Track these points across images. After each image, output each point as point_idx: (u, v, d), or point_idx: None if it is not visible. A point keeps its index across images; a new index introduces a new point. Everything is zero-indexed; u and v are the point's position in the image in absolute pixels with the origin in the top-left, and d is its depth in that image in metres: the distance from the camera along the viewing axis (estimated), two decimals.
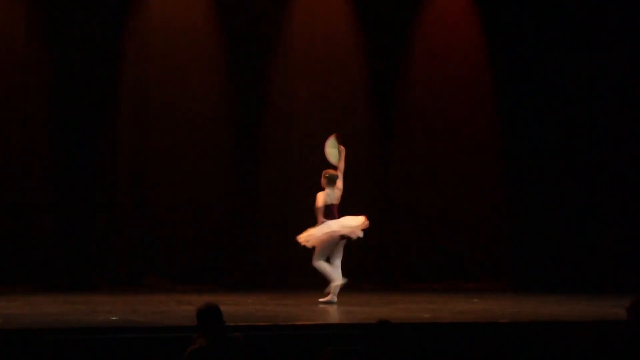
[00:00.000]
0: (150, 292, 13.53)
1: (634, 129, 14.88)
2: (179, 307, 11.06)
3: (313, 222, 11.81)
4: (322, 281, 11.96)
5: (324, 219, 11.70)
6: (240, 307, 11.08)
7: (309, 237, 11.75)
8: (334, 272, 11.73)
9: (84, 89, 13.85)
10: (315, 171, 12.04)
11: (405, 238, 15.19)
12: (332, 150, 11.95)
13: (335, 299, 11.68)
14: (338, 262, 11.81)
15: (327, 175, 11.85)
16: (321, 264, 11.75)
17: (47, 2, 13.83)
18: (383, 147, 15.20)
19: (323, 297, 11.72)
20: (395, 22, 15.19)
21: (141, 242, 14.19)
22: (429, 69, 15.41)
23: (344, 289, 13.53)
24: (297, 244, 11.92)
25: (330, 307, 11.45)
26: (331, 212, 11.80)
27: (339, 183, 11.85)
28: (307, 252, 11.91)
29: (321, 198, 11.77)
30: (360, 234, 11.83)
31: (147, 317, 10.08)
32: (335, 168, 11.92)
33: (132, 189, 14.21)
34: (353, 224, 11.78)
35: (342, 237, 11.77)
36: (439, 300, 12.55)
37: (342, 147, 11.97)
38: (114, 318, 9.67)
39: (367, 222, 11.83)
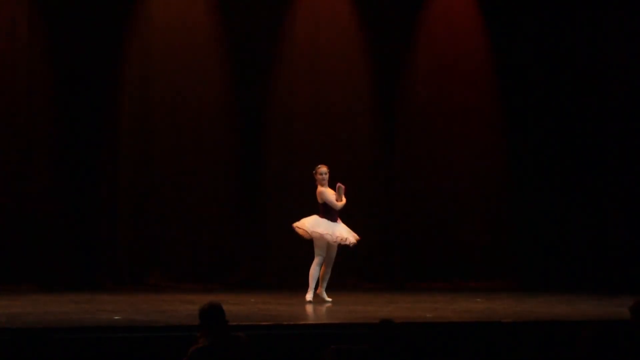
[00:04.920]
0: (154, 291, 13.54)
1: (637, 129, 14.87)
2: (182, 307, 11.06)
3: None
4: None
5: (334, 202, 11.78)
6: (243, 307, 11.08)
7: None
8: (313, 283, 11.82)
9: (86, 89, 13.85)
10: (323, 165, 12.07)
11: (409, 237, 15.18)
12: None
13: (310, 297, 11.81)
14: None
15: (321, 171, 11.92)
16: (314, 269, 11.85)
17: (49, 3, 13.83)
18: (386, 147, 15.19)
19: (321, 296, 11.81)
20: (398, 23, 15.17)
21: (144, 241, 14.20)
22: (432, 68, 15.39)
23: (347, 288, 13.54)
24: (301, 243, 11.94)
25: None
26: (331, 212, 11.84)
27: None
28: (310, 252, 11.91)
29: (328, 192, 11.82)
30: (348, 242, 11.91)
31: (150, 316, 10.08)
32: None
33: (135, 188, 14.21)
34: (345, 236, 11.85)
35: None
36: (442, 300, 12.55)
37: (340, 185, 11.95)
38: (117, 317, 9.68)
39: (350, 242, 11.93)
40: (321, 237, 11.72)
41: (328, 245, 11.79)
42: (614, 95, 14.98)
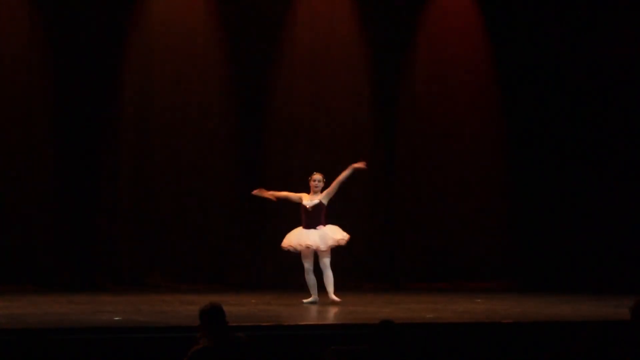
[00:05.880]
0: (154, 292, 13.53)
1: (637, 129, 14.87)
2: (183, 307, 11.06)
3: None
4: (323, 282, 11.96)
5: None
6: (244, 307, 11.08)
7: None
8: (313, 288, 11.83)
9: (86, 91, 13.85)
10: (319, 172, 12.03)
11: (409, 238, 15.18)
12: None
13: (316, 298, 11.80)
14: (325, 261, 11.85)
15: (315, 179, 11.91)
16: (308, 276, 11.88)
17: (50, 4, 13.83)
18: (386, 147, 15.19)
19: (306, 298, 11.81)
20: (398, 22, 15.17)
21: (144, 241, 14.19)
22: (433, 69, 15.39)
23: (347, 289, 13.52)
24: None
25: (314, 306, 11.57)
26: (310, 217, 11.83)
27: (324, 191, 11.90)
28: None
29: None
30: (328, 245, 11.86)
31: (151, 317, 10.08)
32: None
33: (135, 189, 14.21)
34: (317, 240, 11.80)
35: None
36: (442, 300, 12.55)
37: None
38: (117, 318, 9.67)
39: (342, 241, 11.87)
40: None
41: (313, 252, 11.79)
42: (615, 95, 14.98)
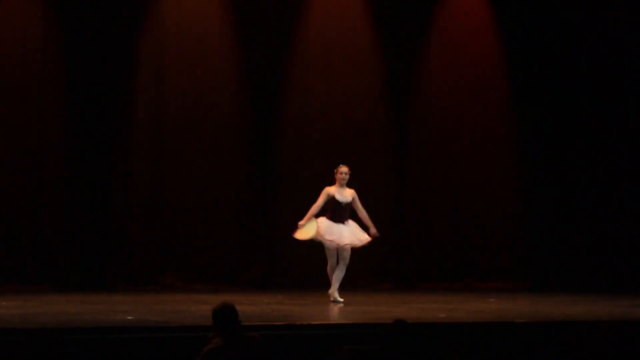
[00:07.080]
0: (166, 291, 13.55)
1: None
2: (195, 307, 11.07)
3: None
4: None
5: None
6: (257, 307, 11.09)
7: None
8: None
9: (100, 89, 13.87)
10: (331, 171, 12.02)
11: (422, 238, 15.17)
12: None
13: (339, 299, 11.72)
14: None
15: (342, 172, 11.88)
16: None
17: (64, 4, 13.84)
18: (399, 148, 15.18)
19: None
20: (411, 23, 15.16)
21: (157, 241, 14.21)
22: (446, 69, 15.38)
23: (361, 288, 13.52)
24: (313, 243, 11.90)
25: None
26: (338, 213, 11.80)
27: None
28: (323, 252, 11.88)
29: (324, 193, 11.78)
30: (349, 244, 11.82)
31: (163, 316, 10.09)
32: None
33: (148, 189, 14.23)
34: (351, 238, 11.76)
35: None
36: (455, 300, 12.54)
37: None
38: (130, 318, 9.69)
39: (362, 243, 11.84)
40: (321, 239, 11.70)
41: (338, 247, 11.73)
42: (630, 92, 14.93)
